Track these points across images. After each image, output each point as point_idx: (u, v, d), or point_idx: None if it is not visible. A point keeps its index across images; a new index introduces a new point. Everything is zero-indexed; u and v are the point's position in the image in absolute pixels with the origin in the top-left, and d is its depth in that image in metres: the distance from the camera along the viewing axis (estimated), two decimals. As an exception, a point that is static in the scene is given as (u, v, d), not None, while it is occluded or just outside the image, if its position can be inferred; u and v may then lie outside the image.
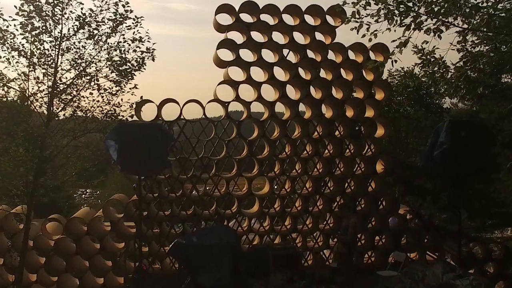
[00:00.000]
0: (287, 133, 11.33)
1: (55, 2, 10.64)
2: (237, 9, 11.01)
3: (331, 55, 11.48)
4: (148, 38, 11.16)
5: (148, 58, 11.04)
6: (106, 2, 11.04)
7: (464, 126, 7.89)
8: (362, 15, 7.39)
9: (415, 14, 7.22)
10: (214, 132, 11.27)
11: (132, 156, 7.13)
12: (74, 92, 11.23)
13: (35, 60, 10.67)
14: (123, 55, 10.83)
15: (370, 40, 7.75)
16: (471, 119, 8.69)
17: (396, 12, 7.23)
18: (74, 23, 10.79)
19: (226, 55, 11.51)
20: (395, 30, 7.32)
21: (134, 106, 10.87)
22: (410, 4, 7.20)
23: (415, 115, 14.06)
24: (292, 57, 11.62)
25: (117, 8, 10.98)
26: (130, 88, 11.64)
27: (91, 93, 11.09)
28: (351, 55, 11.55)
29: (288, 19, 11.45)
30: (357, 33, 7.68)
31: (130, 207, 10.69)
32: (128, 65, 10.94)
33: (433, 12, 7.09)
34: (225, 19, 11.44)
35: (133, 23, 11.16)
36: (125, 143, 7.09)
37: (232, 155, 11.25)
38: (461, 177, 7.94)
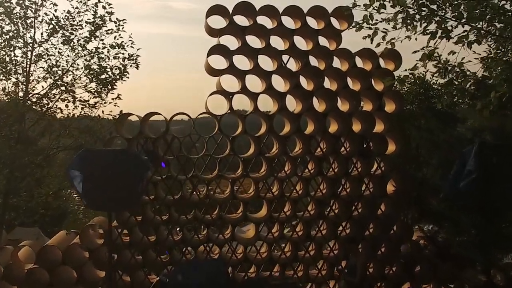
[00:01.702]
0: (286, 149, 10.11)
1: (27, 3, 9.51)
2: (230, 10, 9.80)
3: (336, 63, 10.26)
4: (132, 43, 10.02)
5: (131, 66, 9.91)
6: (84, 3, 9.90)
7: (496, 150, 6.67)
8: (376, 20, 6.19)
9: (440, 19, 6.01)
10: (205, 148, 10.06)
11: (99, 189, 5.95)
12: (50, 103, 10.08)
13: (6, 67, 9.55)
14: (102, 63, 9.71)
15: (378, 45, 6.59)
16: (504, 143, 7.45)
17: (417, 16, 6.02)
18: (48, 26, 9.68)
19: (219, 62, 10.34)
20: (416, 39, 6.12)
21: (116, 120, 9.72)
22: (435, 7, 5.98)
23: (426, 125, 12.82)
24: (292, 65, 10.45)
25: (97, 9, 9.84)
26: (112, 99, 10.51)
27: (67, 106, 9.97)
28: (359, 62, 10.34)
29: (288, 22, 10.25)
30: (371, 42, 6.51)
31: (112, 233, 9.50)
32: (109, 74, 9.82)
33: (461, 17, 5.85)
34: (218, 22, 10.26)
35: (115, 26, 10.02)
36: (91, 173, 5.91)
37: (225, 173, 10.06)
38: (493, 210, 6.72)
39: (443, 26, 5.87)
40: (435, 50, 5.69)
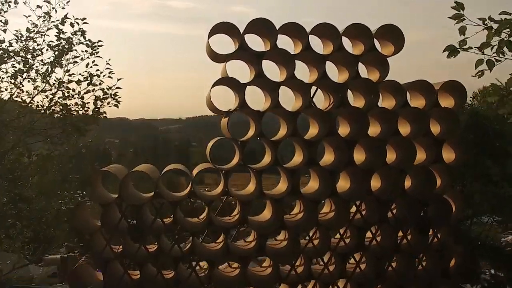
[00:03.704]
0: (317, 216, 7.61)
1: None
2: (241, 29, 7.31)
3: (381, 99, 7.76)
4: (110, 73, 7.49)
5: (109, 103, 7.37)
6: (45, 20, 7.37)
7: None
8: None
9: None
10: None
11: None
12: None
13: None
14: (68, 102, 7.19)
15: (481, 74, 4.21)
16: None
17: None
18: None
19: (225, 96, 7.88)
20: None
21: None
22: None
23: (473, 160, 10.34)
24: (321, 100, 7.99)
25: (62, 29, 7.31)
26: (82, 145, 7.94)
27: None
28: (411, 98, 7.85)
29: (316, 44, 7.76)
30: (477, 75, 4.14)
31: None
32: (77, 116, 7.29)
33: None
34: (224, 44, 7.76)
35: (87, 50, 7.47)
36: None
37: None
38: None
39: None
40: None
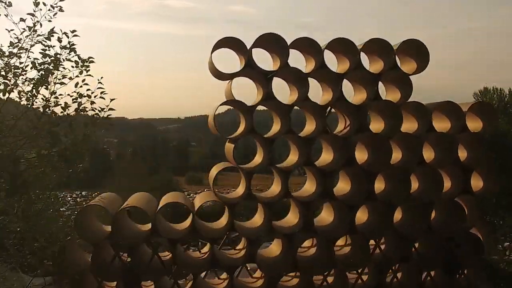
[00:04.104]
0: (332, 254, 6.85)
1: None
2: (248, 45, 6.54)
3: (404, 123, 6.98)
4: (102, 93, 6.69)
5: (101, 128, 6.54)
6: (29, 34, 6.56)
7: None
8: None
9: None
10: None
11: None
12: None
13: None
14: (54, 129, 6.41)
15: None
16: None
17: None
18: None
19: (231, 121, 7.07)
20: None
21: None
22: None
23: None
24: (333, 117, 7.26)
25: (48, 45, 6.52)
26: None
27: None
28: (436, 120, 7.08)
29: (331, 61, 7.01)
30: None
31: None
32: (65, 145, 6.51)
33: None
34: (228, 59, 7.03)
35: (78, 67, 6.67)
36: None
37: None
38: None
39: None
40: None
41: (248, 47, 6.55)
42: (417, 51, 6.93)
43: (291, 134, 6.60)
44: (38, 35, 6.57)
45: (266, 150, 6.72)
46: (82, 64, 6.78)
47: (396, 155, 7.01)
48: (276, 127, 6.99)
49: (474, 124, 7.12)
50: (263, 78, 6.68)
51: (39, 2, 6.62)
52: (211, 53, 6.70)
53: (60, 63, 6.66)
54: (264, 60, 6.90)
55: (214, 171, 6.99)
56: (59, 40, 6.66)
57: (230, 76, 6.72)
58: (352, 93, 7.36)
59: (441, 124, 7.18)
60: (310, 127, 7.04)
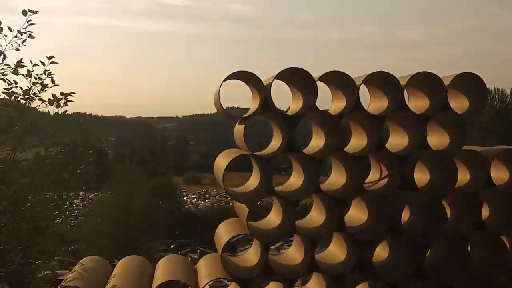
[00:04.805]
0: None
1: None
2: (263, 79, 5.22)
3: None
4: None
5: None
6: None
7: None
8: None
9: None
10: None
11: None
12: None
13: None
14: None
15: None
16: None
17: None
18: None
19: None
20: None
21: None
22: None
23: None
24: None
25: (14, 81, 5.27)
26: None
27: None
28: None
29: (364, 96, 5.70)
30: None
31: None
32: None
33: None
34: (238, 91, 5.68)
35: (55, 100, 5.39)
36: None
37: None
38: None
39: None
40: None
41: (264, 82, 5.23)
42: (470, 87, 5.60)
43: (320, 193, 5.28)
44: (5, 66, 5.31)
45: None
46: (60, 98, 5.54)
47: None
48: (298, 180, 5.67)
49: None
50: (283, 122, 5.35)
51: (2, 28, 5.32)
52: (219, 88, 5.36)
53: (30, 102, 5.43)
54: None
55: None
56: (29, 74, 5.39)
57: (243, 120, 5.38)
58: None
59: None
60: (341, 179, 5.71)
